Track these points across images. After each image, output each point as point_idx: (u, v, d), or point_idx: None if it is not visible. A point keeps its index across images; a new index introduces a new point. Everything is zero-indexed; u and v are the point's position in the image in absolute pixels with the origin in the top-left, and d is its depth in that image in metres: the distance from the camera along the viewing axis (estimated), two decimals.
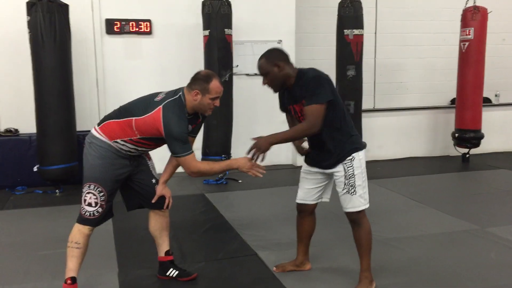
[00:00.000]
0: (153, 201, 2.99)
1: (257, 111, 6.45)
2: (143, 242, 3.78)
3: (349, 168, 2.83)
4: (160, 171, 3.03)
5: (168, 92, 2.80)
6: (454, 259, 3.43)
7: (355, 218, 2.91)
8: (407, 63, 7.37)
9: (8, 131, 5.57)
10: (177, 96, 2.74)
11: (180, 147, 2.70)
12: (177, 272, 3.13)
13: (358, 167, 2.83)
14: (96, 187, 2.72)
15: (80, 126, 5.50)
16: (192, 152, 2.76)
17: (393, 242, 3.65)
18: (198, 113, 2.84)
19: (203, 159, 5.80)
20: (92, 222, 2.77)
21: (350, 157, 2.83)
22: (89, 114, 5.88)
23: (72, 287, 2.76)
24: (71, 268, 2.77)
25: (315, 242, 3.30)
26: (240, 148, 6.15)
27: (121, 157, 2.78)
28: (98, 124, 2.83)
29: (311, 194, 3.07)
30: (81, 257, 2.79)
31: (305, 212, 3.14)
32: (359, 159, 2.85)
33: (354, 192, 2.84)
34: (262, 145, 2.72)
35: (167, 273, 3.13)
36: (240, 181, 5.73)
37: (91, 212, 2.75)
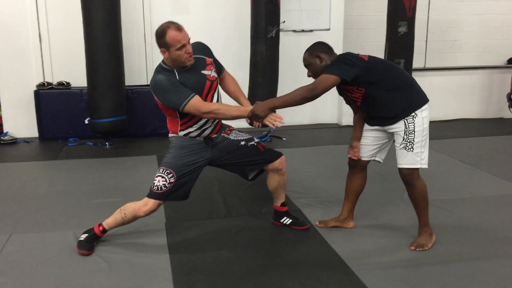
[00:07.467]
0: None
1: (304, 68, 6.31)
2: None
3: (410, 124, 2.80)
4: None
5: None
6: (504, 222, 3.34)
7: (409, 179, 2.87)
8: (462, 20, 7.00)
9: (60, 84, 5.73)
10: (157, 65, 2.80)
11: (177, 98, 2.65)
12: (290, 220, 3.27)
13: (420, 125, 2.81)
14: (164, 170, 2.82)
15: (128, 81, 5.60)
16: (195, 94, 2.66)
17: (440, 204, 3.58)
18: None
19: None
20: (159, 196, 2.84)
21: (413, 114, 2.80)
22: (137, 69, 5.97)
23: (100, 235, 2.97)
24: (110, 223, 2.96)
25: (360, 202, 3.28)
26: None
27: (192, 143, 2.86)
28: None
29: (365, 150, 3.05)
30: (120, 225, 2.98)
31: (357, 168, 3.13)
32: (422, 117, 2.82)
33: (411, 149, 2.81)
34: (260, 112, 2.66)
35: (281, 220, 3.29)
36: (284, 139, 5.72)
37: (159, 186, 2.82)
